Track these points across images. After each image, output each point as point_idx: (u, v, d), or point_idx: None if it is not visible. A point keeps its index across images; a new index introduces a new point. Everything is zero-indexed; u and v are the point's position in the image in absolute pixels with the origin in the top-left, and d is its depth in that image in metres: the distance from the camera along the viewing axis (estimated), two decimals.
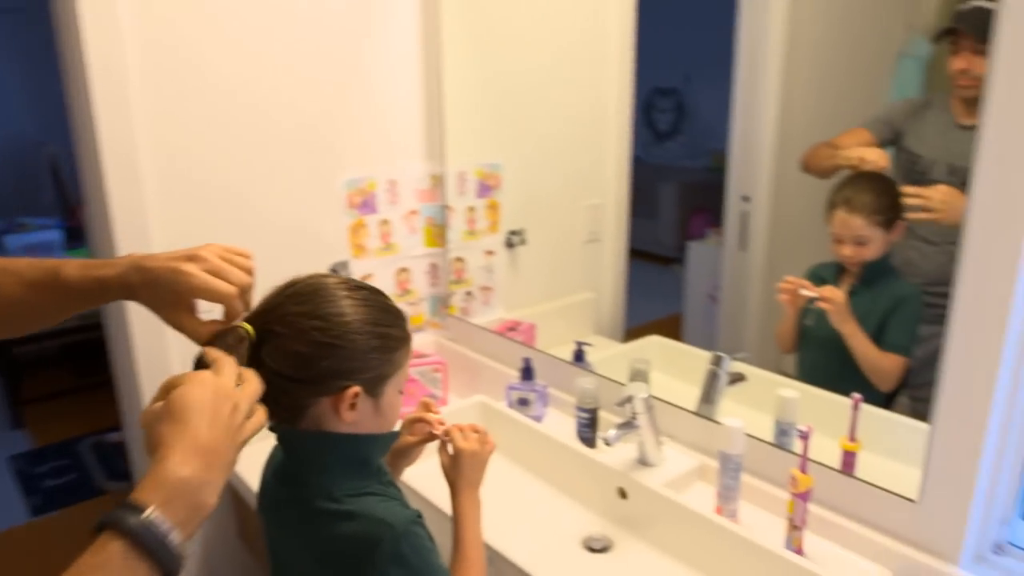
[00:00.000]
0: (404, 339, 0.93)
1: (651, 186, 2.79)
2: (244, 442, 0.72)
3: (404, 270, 1.89)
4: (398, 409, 0.95)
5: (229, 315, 0.84)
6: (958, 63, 1.40)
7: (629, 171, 2.04)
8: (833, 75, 1.85)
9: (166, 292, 0.82)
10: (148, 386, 1.55)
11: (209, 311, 0.85)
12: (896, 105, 1.54)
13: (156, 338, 1.53)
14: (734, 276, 1.99)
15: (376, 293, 0.92)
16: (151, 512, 0.61)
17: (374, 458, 0.94)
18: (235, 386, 0.73)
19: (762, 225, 1.89)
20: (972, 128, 1.41)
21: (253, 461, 1.00)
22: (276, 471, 0.98)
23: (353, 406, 0.88)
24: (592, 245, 2.05)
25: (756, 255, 1.93)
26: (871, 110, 1.64)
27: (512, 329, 1.88)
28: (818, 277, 1.55)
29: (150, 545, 0.60)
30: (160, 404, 0.69)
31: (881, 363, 1.39)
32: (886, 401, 1.39)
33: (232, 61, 1.55)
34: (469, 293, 1.97)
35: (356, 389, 0.87)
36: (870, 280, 1.44)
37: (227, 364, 0.75)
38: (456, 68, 1.85)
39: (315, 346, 0.85)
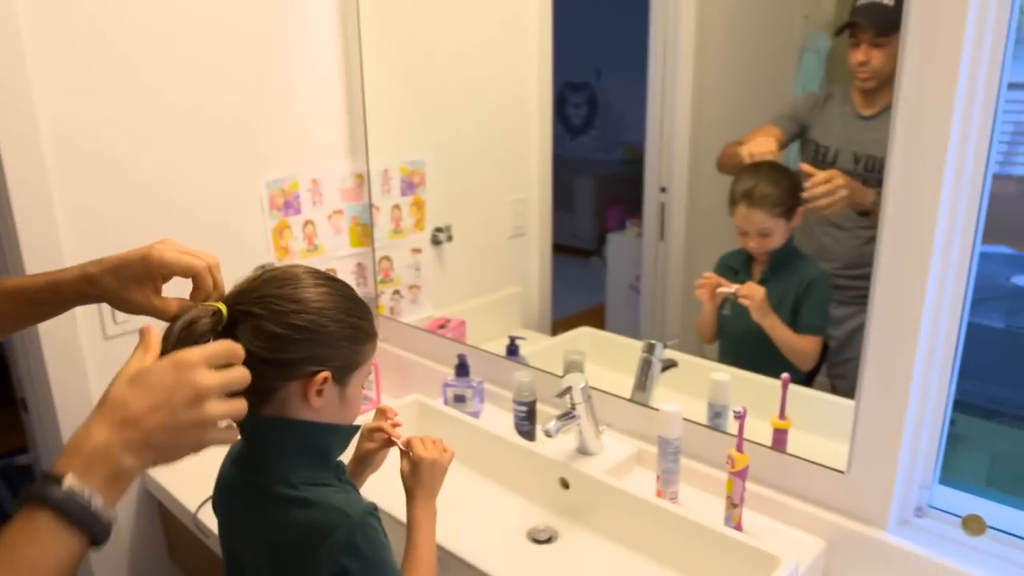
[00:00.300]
0: (372, 334, 0.94)
1: (567, 180, 2.84)
2: (202, 430, 0.70)
3: (331, 271, 1.86)
4: (360, 403, 0.96)
5: (200, 291, 0.89)
6: (858, 56, 1.48)
7: (551, 165, 2.07)
8: (742, 68, 1.92)
9: (135, 270, 0.86)
10: (64, 411, 1.49)
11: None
12: (800, 100, 1.61)
13: (70, 361, 1.46)
14: (654, 266, 2.05)
15: (347, 286, 0.94)
16: (70, 481, 0.62)
17: (334, 450, 0.95)
18: (207, 369, 0.72)
19: (679, 215, 1.96)
20: (872, 118, 1.51)
21: (189, 475, 0.98)
22: (235, 459, 0.97)
23: (320, 392, 0.89)
24: (517, 240, 2.08)
25: (674, 245, 2.00)
26: (779, 102, 1.72)
27: (442, 326, 1.88)
28: (727, 267, 1.62)
29: (74, 513, 0.61)
30: (127, 367, 0.71)
31: (800, 345, 1.46)
32: (806, 380, 1.47)
33: (145, 56, 1.49)
34: (397, 292, 1.96)
35: (326, 374, 0.88)
36: (778, 266, 1.51)
37: (200, 350, 0.73)
38: (377, 65, 1.83)
39: (292, 328, 0.86)
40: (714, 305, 1.59)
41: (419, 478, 1.05)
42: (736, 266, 1.60)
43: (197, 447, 0.71)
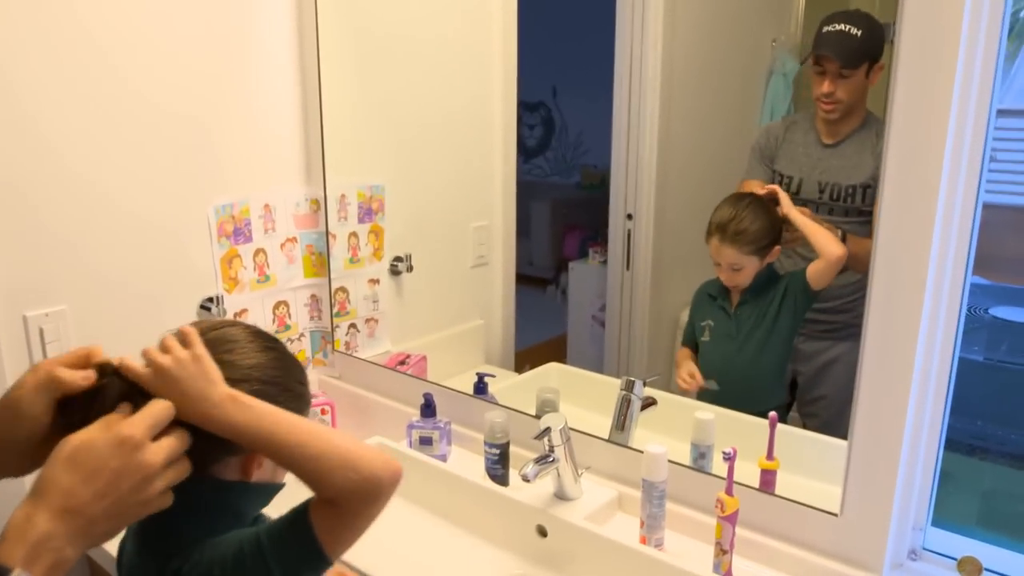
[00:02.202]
0: (310, 399, 0.92)
1: (522, 205, 2.84)
2: (146, 506, 0.73)
3: (282, 303, 1.82)
4: None
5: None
6: (823, 87, 1.52)
7: (515, 190, 2.07)
8: (710, 91, 1.96)
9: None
10: None
11: None
12: (759, 140, 1.65)
13: None
14: (620, 296, 2.06)
15: (285, 348, 0.90)
16: (17, 573, 0.65)
17: (254, 511, 0.91)
18: (151, 445, 0.72)
19: (646, 244, 1.97)
20: (836, 146, 1.55)
21: None
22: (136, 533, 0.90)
23: (260, 464, 0.86)
24: (480, 269, 2.06)
25: (641, 275, 2.01)
26: (747, 124, 1.76)
27: (402, 362, 1.85)
28: (706, 295, 1.65)
29: None
30: (66, 445, 0.71)
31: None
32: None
33: (91, 72, 1.43)
34: (353, 325, 1.92)
35: None
36: (757, 289, 1.54)
37: (141, 421, 0.73)
38: (335, 85, 1.80)
39: None
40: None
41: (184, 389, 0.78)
42: (714, 293, 1.62)
43: (136, 519, 0.74)
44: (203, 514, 0.83)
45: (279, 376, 0.86)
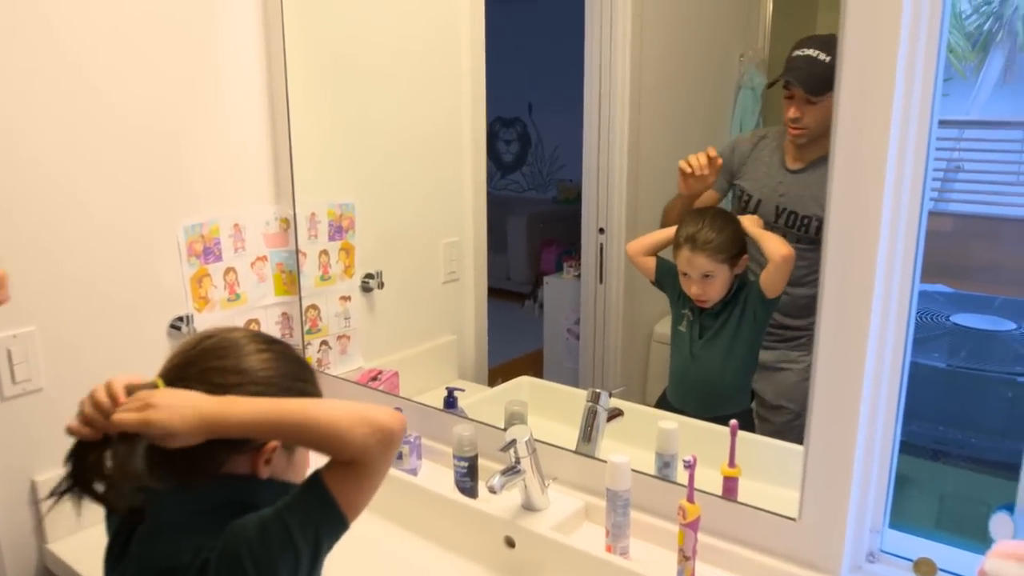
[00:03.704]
0: (319, 395, 0.97)
1: (499, 220, 2.90)
2: None
3: (253, 322, 1.86)
4: (308, 465, 0.98)
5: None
6: (790, 112, 1.54)
7: (485, 205, 2.12)
8: (679, 105, 2.02)
9: None
10: None
11: None
12: (724, 153, 1.67)
13: None
14: (593, 310, 2.11)
15: (288, 348, 0.96)
16: None
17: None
18: None
19: (619, 257, 2.02)
20: (800, 172, 1.59)
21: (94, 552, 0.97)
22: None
23: (269, 461, 0.91)
24: (451, 285, 2.11)
25: (614, 288, 2.06)
26: (717, 139, 1.81)
27: (374, 379, 1.89)
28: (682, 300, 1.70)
29: None
30: None
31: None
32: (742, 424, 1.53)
33: (59, 86, 1.48)
34: (325, 343, 1.96)
35: (274, 443, 0.90)
36: (728, 298, 1.60)
37: None
38: (304, 103, 1.86)
39: None
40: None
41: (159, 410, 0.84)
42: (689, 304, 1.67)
43: None
44: (223, 509, 0.88)
45: (273, 376, 0.92)
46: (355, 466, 0.85)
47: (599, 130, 1.98)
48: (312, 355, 1.95)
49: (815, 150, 1.53)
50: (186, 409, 0.83)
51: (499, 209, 2.65)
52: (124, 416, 0.83)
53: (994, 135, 2.37)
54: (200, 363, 0.90)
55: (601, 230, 2.06)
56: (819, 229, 1.53)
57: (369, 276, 2.00)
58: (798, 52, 1.51)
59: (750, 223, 1.56)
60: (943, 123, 1.16)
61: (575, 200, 2.15)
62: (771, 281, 1.50)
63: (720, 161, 1.60)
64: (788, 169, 1.59)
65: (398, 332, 2.07)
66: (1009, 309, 1.97)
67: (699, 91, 2.06)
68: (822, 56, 1.45)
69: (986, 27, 2.36)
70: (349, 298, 1.98)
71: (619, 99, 1.95)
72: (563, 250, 2.63)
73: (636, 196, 1.98)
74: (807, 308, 1.54)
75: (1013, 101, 2.31)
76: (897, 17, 1.06)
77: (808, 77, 1.48)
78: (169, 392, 0.86)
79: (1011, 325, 1.92)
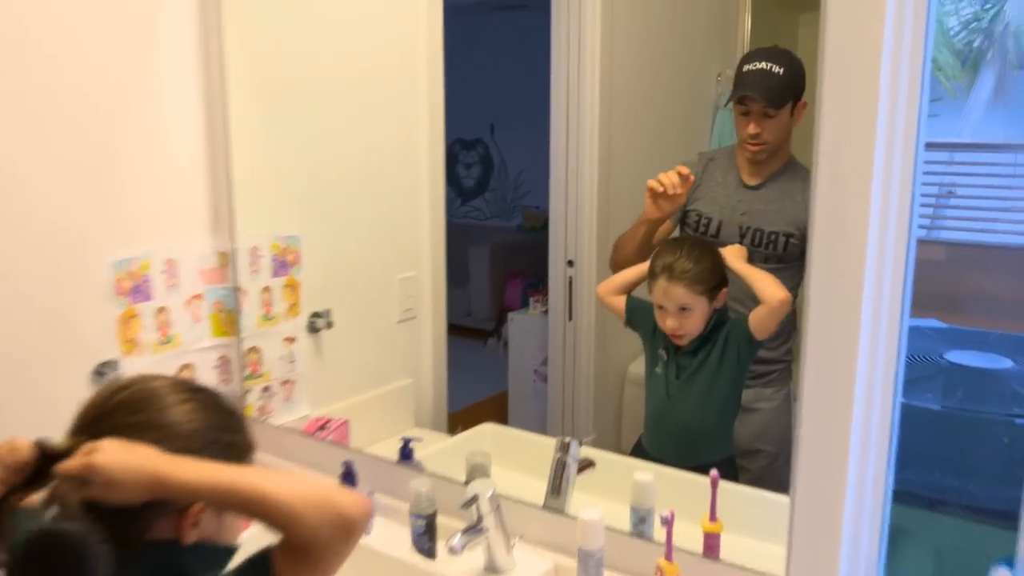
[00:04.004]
0: (250, 446, 0.92)
1: (459, 250, 2.86)
2: None
3: (187, 366, 1.79)
4: (242, 526, 0.92)
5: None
6: (749, 128, 1.56)
7: (444, 235, 2.10)
8: (652, 129, 2.02)
9: None
10: None
11: None
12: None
13: None
14: (562, 349, 2.09)
15: (214, 395, 0.91)
16: None
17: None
18: None
19: (589, 292, 2.01)
20: (758, 188, 1.60)
21: None
22: None
23: (196, 523, 0.86)
24: (407, 324, 2.07)
25: (584, 325, 2.04)
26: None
27: (322, 428, 1.84)
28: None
29: None
30: None
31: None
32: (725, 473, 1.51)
33: None
34: (267, 389, 1.91)
35: (199, 505, 0.84)
36: (706, 334, 1.57)
37: None
38: (244, 129, 1.80)
39: None
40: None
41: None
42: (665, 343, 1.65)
43: None
44: None
45: (199, 429, 0.87)
46: (307, 552, 0.80)
47: (567, 153, 1.97)
48: (253, 402, 1.89)
49: (772, 165, 1.57)
50: (136, 460, 0.78)
51: (459, 239, 2.61)
52: (66, 464, 0.78)
53: (987, 158, 2.40)
54: (115, 417, 0.85)
55: (570, 262, 2.04)
56: (787, 245, 1.55)
57: (316, 315, 1.95)
58: (749, 66, 1.54)
59: (733, 257, 1.54)
60: (934, 145, 1.15)
61: (542, 229, 2.13)
62: (763, 324, 1.48)
63: (693, 179, 1.59)
64: (747, 186, 1.61)
65: (349, 376, 2.02)
66: (1005, 345, 1.97)
67: (675, 111, 2.06)
68: (775, 68, 1.51)
69: (976, 44, 2.40)
70: (294, 339, 1.93)
71: (588, 119, 1.94)
72: (529, 283, 2.61)
73: (608, 225, 1.96)
74: (781, 334, 1.55)
75: (1007, 122, 2.35)
76: (879, 34, 1.05)
77: (766, 91, 1.52)
78: (119, 442, 0.81)
79: (1007, 363, 1.92)
